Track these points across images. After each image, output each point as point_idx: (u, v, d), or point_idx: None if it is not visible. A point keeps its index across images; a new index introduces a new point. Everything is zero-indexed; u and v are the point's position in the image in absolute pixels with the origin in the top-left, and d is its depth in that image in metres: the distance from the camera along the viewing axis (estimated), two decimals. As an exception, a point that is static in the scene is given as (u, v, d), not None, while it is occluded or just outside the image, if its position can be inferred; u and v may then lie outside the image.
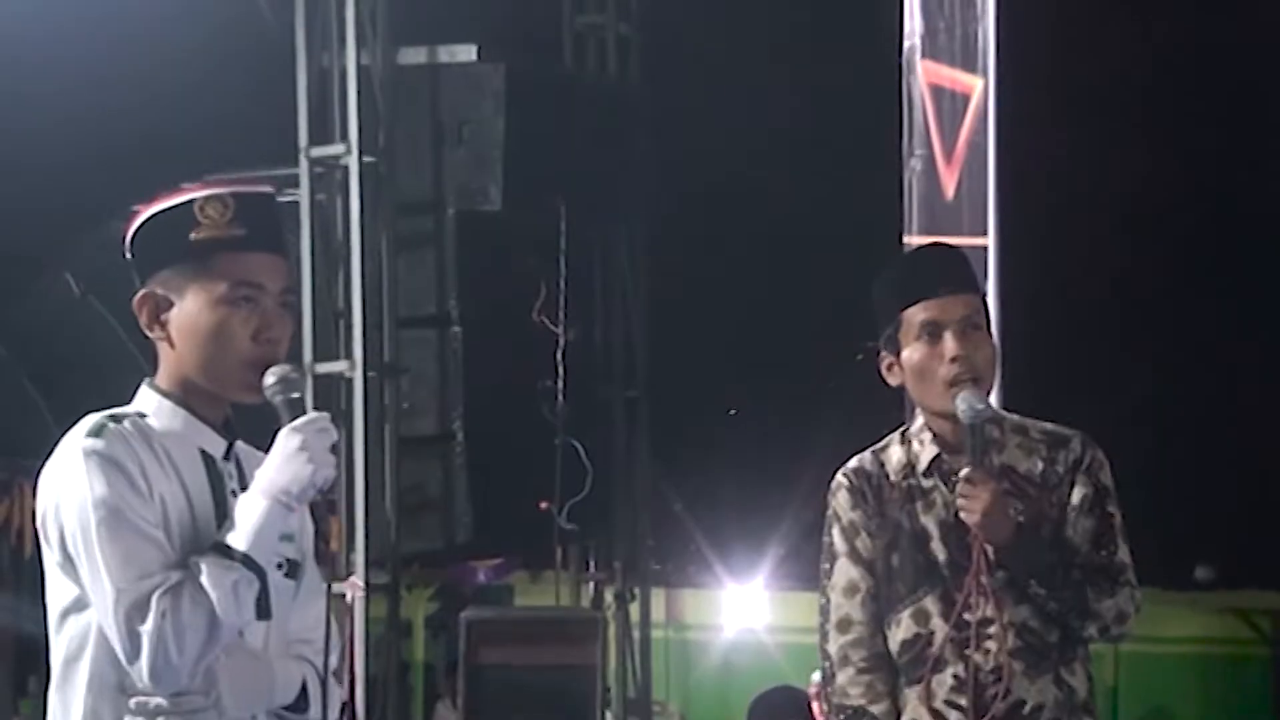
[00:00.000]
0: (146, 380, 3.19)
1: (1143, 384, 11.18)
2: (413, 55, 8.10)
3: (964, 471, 3.73)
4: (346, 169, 7.93)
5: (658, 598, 10.23)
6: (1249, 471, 11.40)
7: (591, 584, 9.37)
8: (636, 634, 9.33)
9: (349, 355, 7.88)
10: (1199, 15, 10.76)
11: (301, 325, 7.96)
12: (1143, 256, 11.26)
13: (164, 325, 3.15)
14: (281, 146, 8.16)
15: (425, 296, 8.07)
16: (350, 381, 7.87)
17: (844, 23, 10.01)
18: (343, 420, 7.90)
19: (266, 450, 3.10)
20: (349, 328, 7.91)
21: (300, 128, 8.01)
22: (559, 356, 8.18)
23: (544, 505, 8.19)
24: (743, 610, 13.78)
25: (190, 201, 3.14)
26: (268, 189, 3.25)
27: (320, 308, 7.98)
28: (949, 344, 3.76)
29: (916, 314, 3.79)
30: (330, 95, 8.00)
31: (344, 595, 7.74)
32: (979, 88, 7.28)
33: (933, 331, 3.78)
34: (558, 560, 9.27)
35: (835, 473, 3.96)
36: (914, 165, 7.64)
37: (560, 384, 8.17)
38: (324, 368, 7.92)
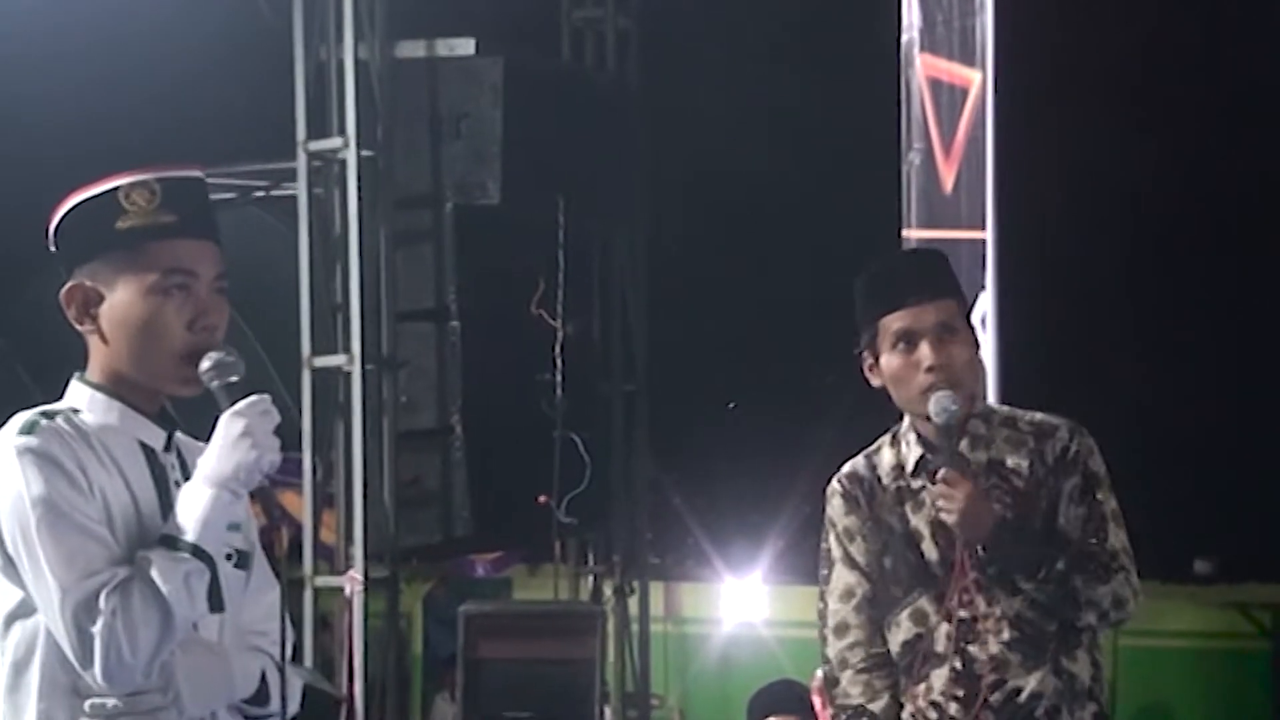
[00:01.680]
0: (77, 375, 3.10)
1: (1142, 377, 11.17)
2: (411, 49, 8.09)
3: (940, 473, 3.76)
4: (344, 163, 7.92)
5: (656, 591, 10.23)
6: (1248, 465, 11.39)
7: (590, 578, 9.38)
8: (635, 628, 9.34)
9: (347, 349, 7.88)
10: (1199, 7, 10.74)
11: (300, 319, 7.96)
12: (1142, 249, 11.24)
13: (94, 318, 3.05)
14: (279, 140, 8.16)
15: (423, 290, 8.07)
16: (348, 375, 7.87)
17: (842, 16, 10.00)
18: (341, 414, 7.90)
19: (205, 440, 3.03)
20: (347, 322, 7.91)
21: (298, 122, 8.00)
22: (557, 350, 8.17)
23: (543, 499, 8.19)
24: (742, 604, 13.76)
25: (115, 189, 3.05)
26: (196, 173, 3.14)
27: (318, 302, 7.98)
28: (924, 352, 3.80)
29: (891, 323, 3.83)
30: (328, 89, 8.00)
31: (343, 589, 7.75)
32: (977, 81, 7.27)
33: (908, 340, 3.81)
34: (556, 554, 9.27)
35: (831, 477, 3.99)
36: (912, 159, 7.63)
37: (559, 378, 8.17)
38: (322, 361, 7.92)
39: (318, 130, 8.00)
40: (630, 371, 9.20)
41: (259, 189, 9.62)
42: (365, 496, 7.77)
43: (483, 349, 8.06)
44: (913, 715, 3.85)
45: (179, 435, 3.12)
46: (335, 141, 7.95)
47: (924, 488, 3.85)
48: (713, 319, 11.74)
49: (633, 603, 9.36)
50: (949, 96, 7.48)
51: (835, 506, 3.95)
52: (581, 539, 9.28)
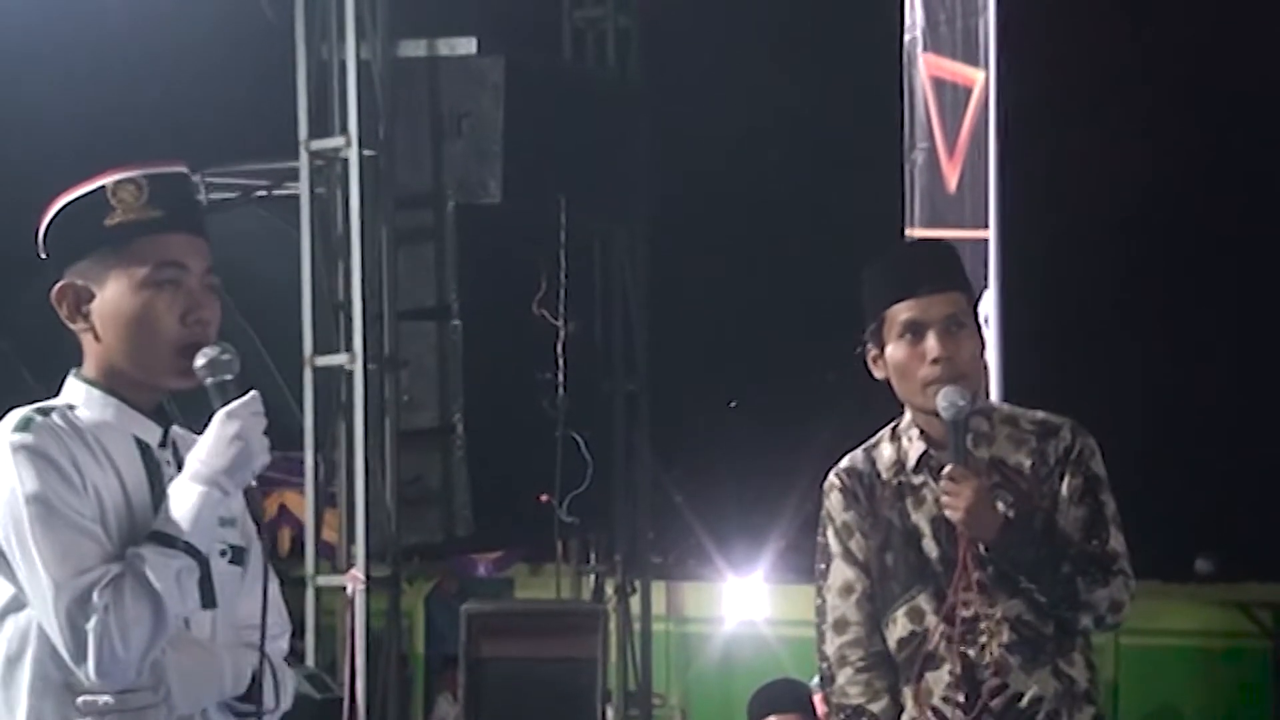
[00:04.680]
0: (73, 372, 3.10)
1: (1144, 376, 11.17)
2: (412, 48, 8.09)
3: (946, 469, 3.72)
4: (346, 162, 7.93)
5: (658, 590, 10.23)
6: (1249, 464, 11.39)
7: (592, 577, 9.38)
8: (637, 627, 9.34)
9: (349, 348, 7.88)
10: (1202, 7, 10.74)
11: (302, 318, 7.96)
12: (1145, 249, 11.25)
13: (86, 316, 3.06)
14: (281, 140, 8.16)
15: (425, 289, 8.07)
16: (350, 374, 7.87)
17: (844, 15, 10.00)
18: (343, 413, 7.90)
19: (201, 432, 3.02)
20: (349, 320, 7.91)
21: (300, 121, 8.01)
22: (559, 349, 8.17)
23: (544, 498, 8.19)
24: (743, 603, 13.77)
25: (102, 187, 3.06)
26: (181, 168, 3.15)
27: (320, 300, 7.98)
28: (931, 344, 3.75)
29: (899, 312, 3.78)
30: (330, 88, 8.00)
31: (344, 588, 7.75)
32: (981, 80, 7.26)
33: (915, 331, 3.77)
34: (558, 553, 9.28)
35: (828, 472, 3.94)
36: (915, 158, 7.62)
37: (560, 377, 8.16)
38: (324, 360, 7.92)
39: (319, 129, 8.01)
40: (632, 370, 9.20)
41: (261, 188, 9.63)
42: (367, 495, 7.77)
43: (484, 348, 8.06)
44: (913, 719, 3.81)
45: (175, 430, 3.12)
46: (337, 141, 7.95)
47: (925, 484, 3.81)
48: (714, 318, 11.74)
49: (634, 602, 9.36)
50: (952, 96, 7.47)
51: (834, 501, 3.90)
52: (583, 538, 9.28)
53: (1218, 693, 13.09)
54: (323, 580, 7.92)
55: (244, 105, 9.09)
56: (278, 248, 9.02)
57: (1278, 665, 12.92)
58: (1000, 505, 3.73)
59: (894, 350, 3.79)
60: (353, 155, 7.88)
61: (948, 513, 3.72)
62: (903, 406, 3.91)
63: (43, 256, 3.13)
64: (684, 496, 12.41)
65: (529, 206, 8.20)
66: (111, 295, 3.04)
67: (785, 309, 11.86)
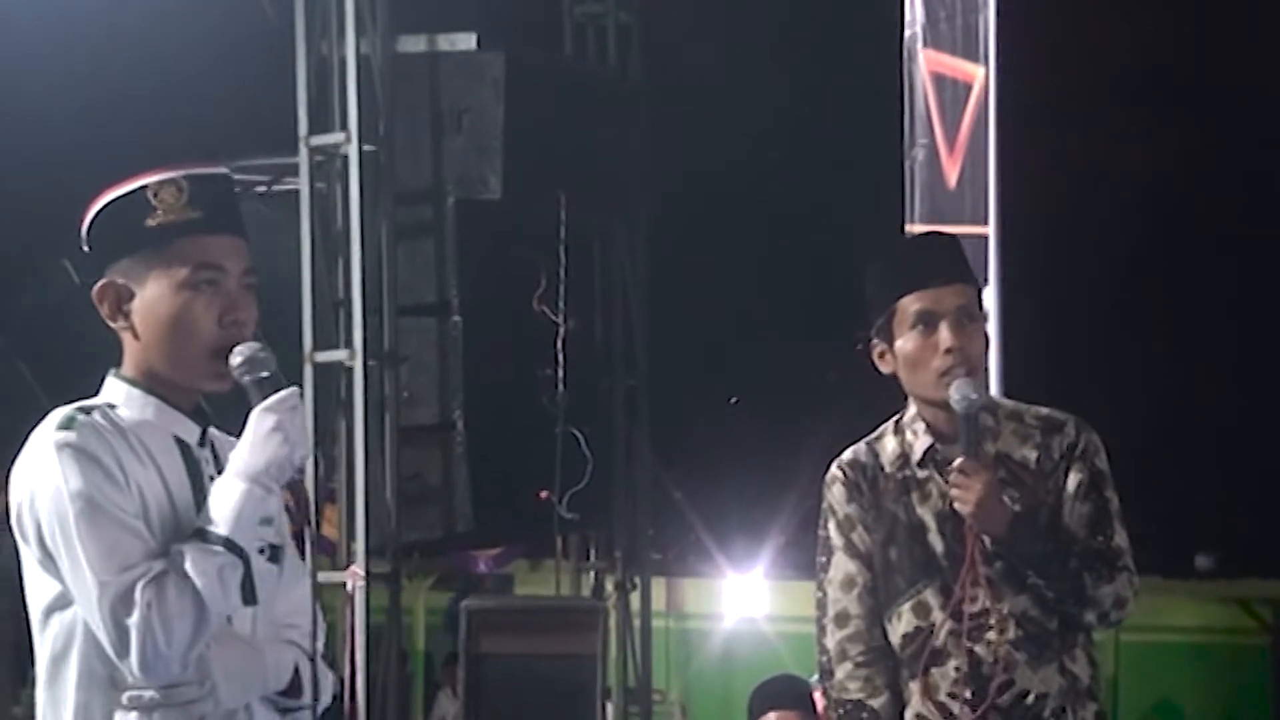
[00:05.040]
0: (112, 371, 3.13)
1: (1144, 372, 11.17)
2: (412, 44, 8.08)
3: (957, 462, 3.70)
4: (346, 158, 7.92)
5: (658, 587, 10.23)
6: (1249, 460, 11.40)
7: (592, 573, 9.37)
8: (637, 623, 9.34)
9: (349, 344, 7.88)
10: (1202, 6, 10.75)
11: (302, 314, 7.96)
12: (1144, 245, 11.25)
13: (126, 315, 3.09)
14: (281, 135, 8.15)
15: (425, 285, 8.06)
16: (350, 370, 7.86)
17: (845, 12, 10.00)
18: (343, 409, 7.90)
19: (237, 435, 3.05)
20: (349, 316, 7.90)
21: (300, 116, 8.00)
22: (559, 345, 8.17)
23: (544, 494, 8.18)
24: (743, 599, 13.79)
25: (143, 187, 3.07)
26: (222, 170, 3.17)
27: (320, 296, 7.97)
28: (944, 335, 3.73)
29: (911, 303, 3.75)
30: (330, 84, 7.99)
31: (344, 584, 7.74)
32: (981, 76, 7.27)
33: (928, 321, 3.74)
34: (558, 549, 9.27)
35: (829, 465, 3.92)
36: (916, 154, 7.63)
37: (560, 373, 8.16)
38: (324, 356, 7.91)
39: (319, 125, 8.00)
40: (632, 367, 9.19)
41: (261, 184, 9.61)
42: (367, 492, 7.77)
43: (484, 344, 8.05)
44: (917, 716, 3.78)
45: (212, 430, 3.15)
46: (337, 136, 7.95)
47: (930, 478, 3.79)
48: (714, 314, 11.75)
49: (634, 598, 9.35)
50: (952, 92, 7.48)
51: (835, 494, 3.86)
52: (583, 534, 9.28)
53: (1218, 688, 13.10)
54: (323, 577, 7.90)
55: (244, 101, 9.09)
56: (278, 243, 9.02)
57: (1277, 661, 12.93)
58: (1005, 500, 3.72)
59: (905, 342, 3.76)
60: (353, 151, 7.87)
61: (957, 506, 3.70)
62: (905, 400, 3.89)
63: (85, 250, 3.15)
64: (684, 493, 12.42)
65: (529, 202, 8.19)
66: (151, 295, 3.07)
67: (785, 307, 11.86)
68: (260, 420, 3.00)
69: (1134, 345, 11.31)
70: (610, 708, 8.45)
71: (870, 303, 3.86)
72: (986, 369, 3.86)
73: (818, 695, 6.62)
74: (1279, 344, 11.10)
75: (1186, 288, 11.36)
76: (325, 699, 3.19)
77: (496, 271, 8.15)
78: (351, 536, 7.83)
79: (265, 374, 3.04)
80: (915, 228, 7.54)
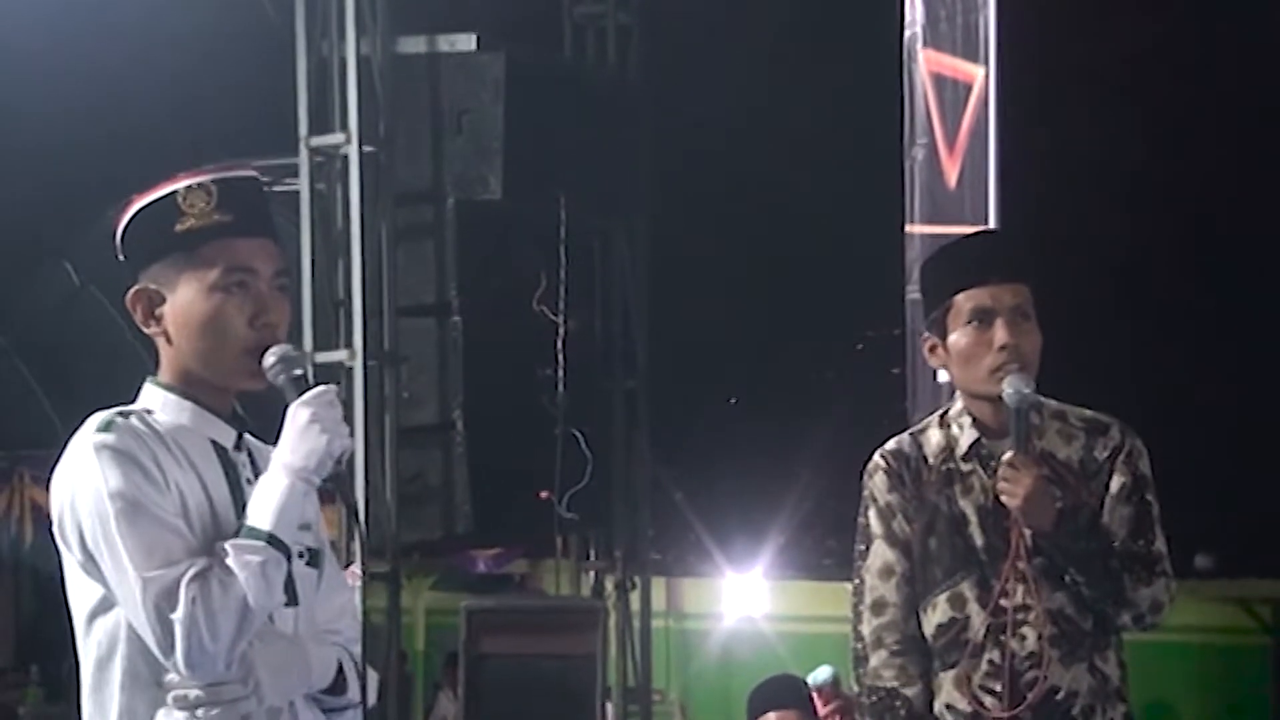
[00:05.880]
0: (149, 378, 3.15)
1: (1144, 372, 11.18)
2: (412, 44, 8.08)
3: (1006, 456, 3.72)
4: (346, 158, 7.92)
5: (658, 587, 10.24)
6: (1249, 460, 11.40)
7: (591, 573, 9.37)
8: (637, 623, 9.34)
9: (349, 344, 7.88)
10: (1200, 6, 10.75)
11: (302, 314, 7.96)
12: (1145, 245, 11.26)
13: (159, 320, 3.11)
14: (281, 136, 8.15)
15: (425, 286, 8.06)
16: (350, 371, 7.86)
17: (845, 12, 10.01)
18: (343, 410, 7.89)
19: (273, 442, 3.07)
20: (349, 317, 7.90)
21: (300, 117, 8.00)
22: (559, 346, 8.17)
23: (544, 494, 8.18)
24: (742, 599, 13.79)
25: (173, 193, 3.09)
26: (251, 173, 3.19)
27: (320, 297, 7.97)
28: (999, 332, 3.76)
29: (968, 300, 3.78)
30: (330, 85, 7.99)
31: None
32: (980, 76, 7.27)
33: (983, 318, 3.77)
34: (558, 549, 9.27)
35: (873, 454, 3.94)
36: (916, 154, 7.63)
37: (560, 373, 8.16)
38: (324, 357, 7.91)
39: (320, 126, 8.00)
40: (631, 367, 9.19)
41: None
42: (367, 492, 7.77)
43: (484, 344, 8.05)
44: (946, 706, 3.81)
45: (248, 436, 3.17)
46: (337, 137, 7.95)
47: (974, 471, 3.81)
48: (714, 315, 11.75)
49: (634, 598, 9.35)
50: (952, 92, 7.48)
51: (878, 482, 3.88)
52: (583, 535, 9.28)
53: (1217, 688, 13.11)
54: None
55: (244, 101, 9.09)
56: (277, 244, 9.02)
57: (1277, 661, 12.94)
58: (1052, 497, 3.73)
59: (959, 336, 3.79)
60: (353, 151, 7.88)
61: (1005, 499, 3.72)
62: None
63: (121, 258, 3.17)
64: (684, 493, 12.42)
65: (529, 203, 8.19)
66: (183, 299, 3.08)
67: (785, 307, 11.87)
68: (296, 414, 3.04)
69: (1134, 343, 11.32)
70: (610, 708, 8.45)
71: (925, 297, 3.90)
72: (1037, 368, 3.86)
73: (816, 698, 6.63)
74: (1279, 344, 11.10)
75: (1186, 287, 11.37)
76: (371, 698, 3.20)
77: (496, 272, 8.16)
78: (351, 536, 7.83)
79: (299, 371, 3.08)
80: (915, 228, 7.55)
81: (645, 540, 9.47)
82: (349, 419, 8.19)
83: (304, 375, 3.09)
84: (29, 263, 11.17)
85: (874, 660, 3.85)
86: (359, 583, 7.68)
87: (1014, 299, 3.78)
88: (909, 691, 3.82)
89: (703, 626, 13.97)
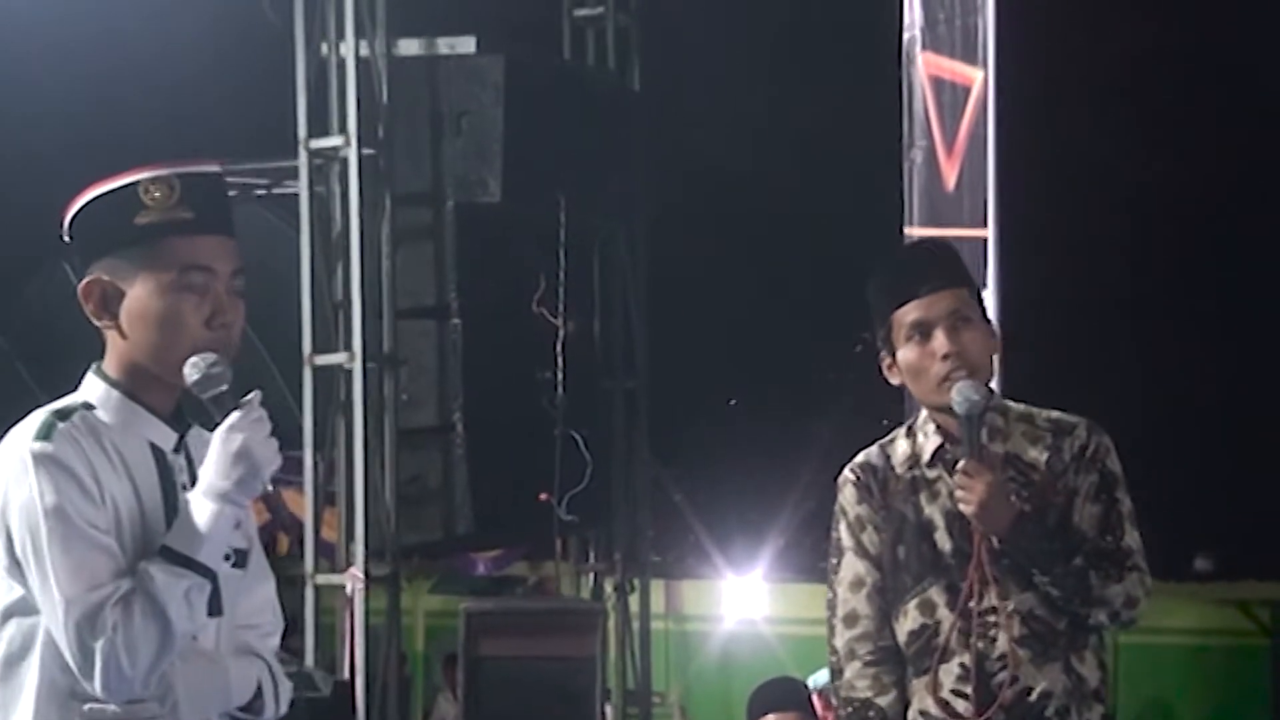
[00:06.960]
0: (94, 366, 3.09)
1: (1142, 374, 11.18)
2: (411, 47, 8.08)
3: (960, 463, 3.75)
4: (345, 161, 7.92)
5: (657, 589, 10.24)
6: (1248, 462, 11.40)
7: (591, 575, 9.37)
8: (636, 625, 9.34)
9: (348, 347, 7.88)
10: (1200, 7, 10.75)
11: (301, 316, 7.96)
12: (1143, 247, 11.26)
13: (114, 315, 3.04)
14: (280, 138, 8.16)
15: (424, 288, 8.06)
16: (349, 373, 7.86)
17: (843, 14, 10.01)
18: (342, 412, 7.90)
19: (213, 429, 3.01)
20: (348, 319, 7.90)
21: (299, 119, 8.00)
22: (558, 348, 8.17)
23: (544, 496, 8.18)
24: (742, 601, 13.78)
25: (134, 183, 3.03)
26: (214, 168, 3.12)
27: (319, 299, 7.97)
28: (939, 341, 3.79)
29: (905, 315, 3.83)
30: (329, 87, 7.99)
31: (344, 586, 7.75)
32: (979, 79, 7.28)
33: (923, 331, 3.81)
34: (557, 551, 9.27)
35: (843, 468, 3.97)
36: (914, 157, 7.64)
37: (560, 375, 8.16)
38: (323, 359, 7.92)
39: (319, 128, 8.00)
40: (631, 369, 9.19)
41: (260, 187, 9.62)
42: (366, 494, 7.77)
43: (484, 346, 8.05)
44: (920, 713, 3.83)
45: (190, 434, 3.11)
46: (336, 139, 7.95)
47: (939, 478, 3.85)
48: (713, 316, 11.76)
49: (634, 600, 9.35)
50: (951, 95, 7.49)
51: (847, 495, 3.93)
52: (582, 536, 9.28)
53: (1216, 690, 13.10)
54: (322, 579, 7.92)
55: (243, 103, 9.10)
56: (277, 246, 9.03)
57: (1276, 663, 12.93)
58: (1014, 500, 3.75)
59: (905, 353, 3.83)
60: (352, 154, 7.88)
61: (961, 506, 3.75)
62: (907, 403, 3.93)
63: (66, 241, 3.10)
64: (683, 495, 12.43)
65: (528, 205, 8.19)
66: (139, 295, 3.02)
67: (785, 308, 11.87)
68: (226, 441, 2.96)
69: (1133, 346, 11.32)
70: (610, 710, 8.45)
71: (871, 319, 3.93)
72: (992, 369, 3.88)
73: (816, 702, 6.63)
74: (1279, 343, 11.11)
75: (1185, 288, 11.37)
76: (283, 709, 3.17)
77: (496, 274, 8.16)
78: (351, 538, 7.83)
79: (223, 388, 3.00)
80: (913, 230, 7.56)
81: (645, 542, 9.47)
82: (349, 421, 8.23)
83: (227, 391, 2.99)
84: (29, 263, 11.18)
85: (848, 672, 3.89)
86: (360, 584, 7.69)
87: (949, 305, 3.82)
88: (882, 701, 3.85)
89: (703, 628, 13.97)
